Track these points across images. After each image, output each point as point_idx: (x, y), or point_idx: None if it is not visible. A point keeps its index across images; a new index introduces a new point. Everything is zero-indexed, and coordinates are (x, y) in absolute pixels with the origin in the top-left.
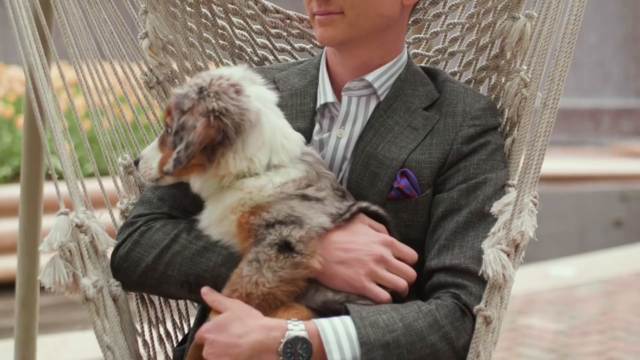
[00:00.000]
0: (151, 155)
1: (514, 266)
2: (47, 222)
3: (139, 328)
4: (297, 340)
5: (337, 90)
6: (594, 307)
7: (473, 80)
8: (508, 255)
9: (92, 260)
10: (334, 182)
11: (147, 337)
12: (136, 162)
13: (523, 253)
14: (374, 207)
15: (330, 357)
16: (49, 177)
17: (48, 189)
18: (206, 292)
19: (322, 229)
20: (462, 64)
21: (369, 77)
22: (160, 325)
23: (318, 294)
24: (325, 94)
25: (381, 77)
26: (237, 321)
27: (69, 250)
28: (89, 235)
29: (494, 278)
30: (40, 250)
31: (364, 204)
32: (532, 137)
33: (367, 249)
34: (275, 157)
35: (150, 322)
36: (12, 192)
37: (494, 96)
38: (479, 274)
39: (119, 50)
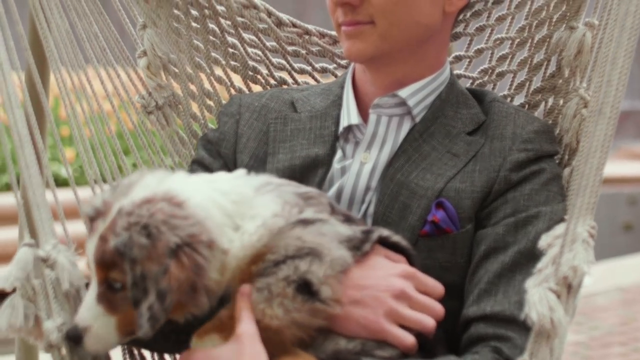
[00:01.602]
0: (100, 323)
1: (567, 310)
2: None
3: None
4: None
5: (364, 112)
6: (613, 317)
7: (527, 105)
8: (558, 297)
9: (58, 300)
10: (323, 205)
11: None
12: (75, 338)
13: (578, 295)
14: (396, 238)
15: None
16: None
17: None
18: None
19: (346, 265)
20: (514, 87)
21: (403, 93)
22: None
23: (328, 342)
24: (349, 115)
25: (417, 94)
26: None
27: (32, 288)
28: (56, 271)
29: (539, 323)
30: None
31: (385, 233)
32: (586, 152)
33: (384, 283)
34: (237, 219)
35: None
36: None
37: (551, 122)
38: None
39: (113, 68)
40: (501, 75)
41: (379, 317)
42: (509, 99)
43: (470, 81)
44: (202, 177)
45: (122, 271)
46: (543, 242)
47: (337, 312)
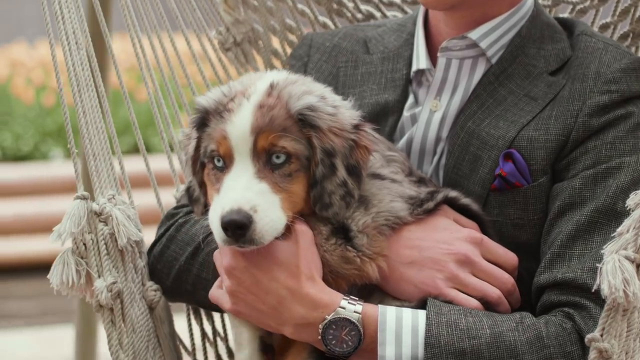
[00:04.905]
0: (267, 202)
1: None
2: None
3: (188, 344)
4: (343, 323)
5: (434, 53)
6: None
7: (631, 34)
8: (638, 267)
9: (111, 257)
10: (404, 166)
11: (200, 357)
12: (241, 223)
13: None
14: (465, 200)
15: (381, 350)
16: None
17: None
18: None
19: (396, 218)
20: (617, 13)
21: (474, 35)
22: (220, 341)
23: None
24: (418, 58)
25: (491, 34)
26: (291, 272)
27: (84, 244)
28: (110, 225)
29: (611, 296)
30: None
31: (453, 193)
32: None
33: (446, 246)
34: None
35: (205, 337)
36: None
37: None
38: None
39: (189, 3)
40: (603, 0)
41: (436, 280)
42: (611, 27)
43: (571, 6)
44: None
45: (294, 140)
46: (631, 201)
47: (371, 271)
